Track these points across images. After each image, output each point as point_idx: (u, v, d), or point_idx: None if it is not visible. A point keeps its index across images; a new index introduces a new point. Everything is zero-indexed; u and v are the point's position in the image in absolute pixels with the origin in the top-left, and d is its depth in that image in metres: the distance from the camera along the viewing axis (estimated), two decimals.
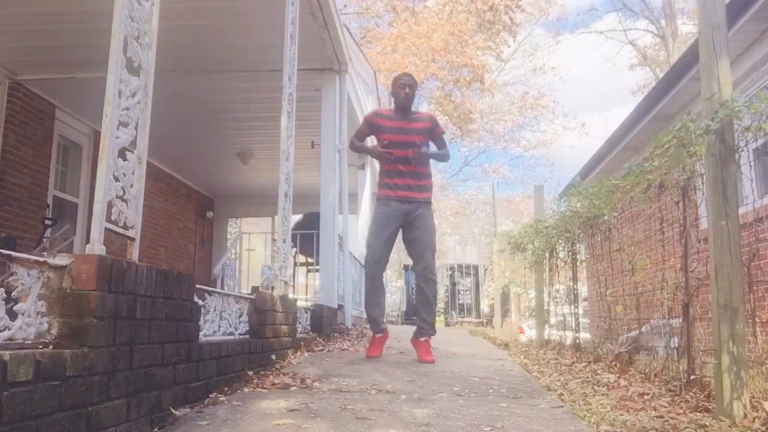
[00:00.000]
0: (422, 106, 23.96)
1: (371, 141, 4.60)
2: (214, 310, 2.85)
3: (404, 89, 4.24)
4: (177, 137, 7.78)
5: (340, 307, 6.47)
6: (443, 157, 4.54)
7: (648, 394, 2.81)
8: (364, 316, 8.53)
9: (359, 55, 8.04)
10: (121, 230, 2.06)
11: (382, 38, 20.29)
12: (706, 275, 2.59)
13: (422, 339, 4.17)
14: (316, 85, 6.07)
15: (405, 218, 4.18)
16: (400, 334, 7.74)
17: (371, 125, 4.35)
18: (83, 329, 1.72)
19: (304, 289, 9.14)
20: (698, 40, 2.62)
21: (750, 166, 3.32)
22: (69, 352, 1.64)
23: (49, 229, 6.37)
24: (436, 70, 20.06)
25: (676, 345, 3.07)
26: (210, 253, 11.53)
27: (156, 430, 2.05)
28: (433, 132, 4.33)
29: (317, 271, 7.87)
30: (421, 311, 4.30)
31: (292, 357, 3.90)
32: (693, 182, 2.90)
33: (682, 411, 2.44)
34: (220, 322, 2.91)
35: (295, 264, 8.70)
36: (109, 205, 1.98)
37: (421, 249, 4.17)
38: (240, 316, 3.20)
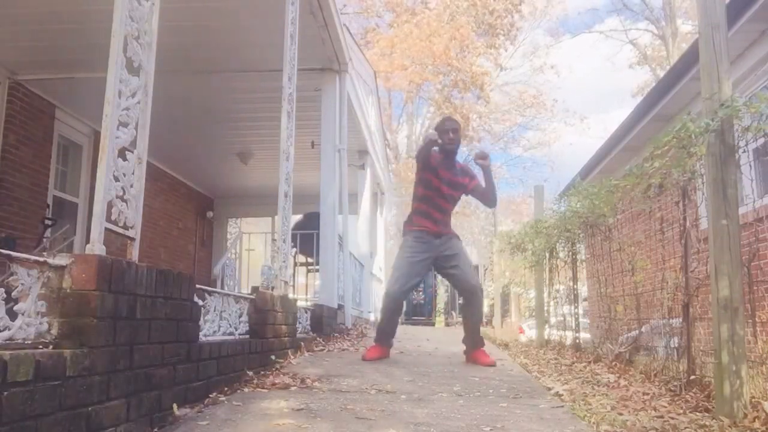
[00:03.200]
0: (421, 108, 23.93)
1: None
2: (214, 310, 2.85)
3: (448, 134, 4.29)
4: (177, 137, 7.77)
5: (340, 307, 6.47)
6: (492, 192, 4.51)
7: (648, 394, 2.81)
8: (364, 316, 8.57)
9: (359, 55, 8.04)
10: (121, 230, 2.06)
11: (381, 39, 20.30)
12: (706, 275, 2.59)
13: (475, 350, 4.29)
14: (316, 85, 6.06)
15: (437, 251, 4.26)
16: (401, 334, 7.74)
17: (433, 157, 4.31)
18: (83, 329, 1.71)
19: (304, 289, 9.13)
20: (698, 40, 2.62)
21: (750, 166, 3.33)
22: (69, 352, 1.64)
23: (49, 229, 6.36)
24: (434, 75, 20.07)
25: (676, 345, 3.07)
26: (210, 253, 11.52)
27: (156, 430, 2.05)
28: (468, 186, 4.44)
29: (317, 271, 7.86)
30: (467, 329, 4.37)
31: (292, 357, 3.89)
32: (693, 182, 2.90)
33: (682, 411, 2.44)
34: (220, 322, 2.91)
35: (295, 264, 8.69)
36: (109, 205, 1.98)
37: (466, 278, 4.27)
38: (240, 316, 3.20)
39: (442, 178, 4.30)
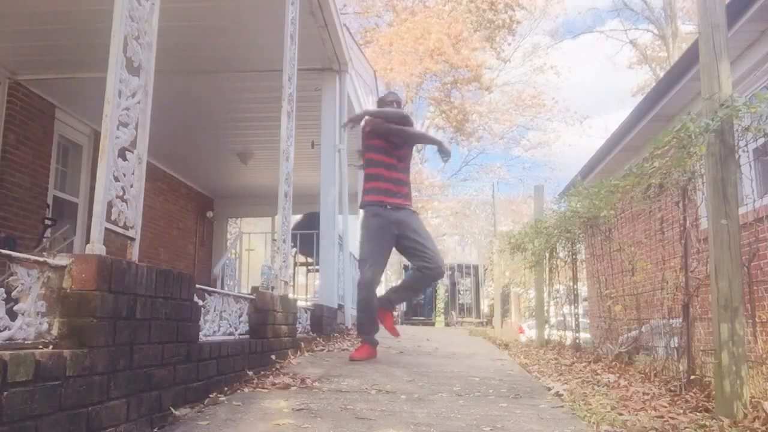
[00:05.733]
0: (422, 108, 23.89)
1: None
2: (214, 310, 2.85)
3: (392, 105, 4.49)
4: (177, 137, 7.77)
5: (340, 307, 6.46)
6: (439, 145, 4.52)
7: (648, 394, 2.81)
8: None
9: (359, 55, 8.04)
10: (121, 230, 2.06)
11: (380, 38, 20.32)
12: (706, 275, 2.59)
13: (385, 310, 4.35)
14: (316, 85, 6.07)
15: (399, 227, 4.17)
16: (400, 334, 7.72)
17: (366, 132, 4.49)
18: (83, 329, 1.71)
19: (304, 289, 9.14)
20: (698, 40, 2.62)
21: (750, 166, 3.32)
22: (69, 352, 1.64)
23: (49, 229, 6.36)
24: (430, 66, 20.06)
25: (676, 345, 3.07)
26: (210, 253, 11.52)
27: (156, 430, 2.05)
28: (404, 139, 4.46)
29: (317, 271, 7.87)
30: (397, 286, 4.52)
31: (292, 357, 3.89)
32: (693, 182, 2.90)
33: (682, 411, 2.44)
34: (220, 322, 2.91)
35: (295, 264, 8.70)
36: (109, 205, 1.98)
37: (431, 251, 4.19)
38: (240, 316, 3.20)
39: (378, 148, 4.28)
